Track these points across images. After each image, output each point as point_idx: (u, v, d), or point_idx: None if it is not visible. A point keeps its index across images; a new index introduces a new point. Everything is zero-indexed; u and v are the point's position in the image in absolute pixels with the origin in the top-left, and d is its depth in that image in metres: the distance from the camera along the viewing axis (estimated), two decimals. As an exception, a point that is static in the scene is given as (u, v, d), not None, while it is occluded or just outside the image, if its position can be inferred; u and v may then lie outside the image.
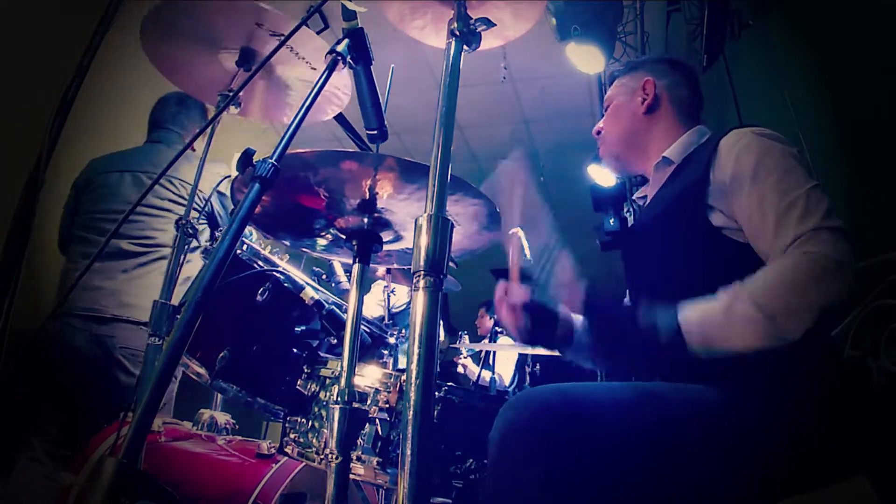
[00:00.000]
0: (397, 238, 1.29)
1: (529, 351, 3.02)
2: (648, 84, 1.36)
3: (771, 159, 1.08)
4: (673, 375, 1.03)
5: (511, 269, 1.19)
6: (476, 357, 4.25)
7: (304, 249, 1.45)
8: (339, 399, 1.07)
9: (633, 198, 1.49)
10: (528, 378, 3.65)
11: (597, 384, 0.98)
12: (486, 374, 3.88)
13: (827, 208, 0.99)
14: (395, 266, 1.49)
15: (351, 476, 1.09)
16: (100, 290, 2.06)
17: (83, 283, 2.04)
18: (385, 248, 1.28)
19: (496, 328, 4.03)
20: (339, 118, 1.68)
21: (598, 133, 1.43)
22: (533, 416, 0.88)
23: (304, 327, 1.43)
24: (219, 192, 2.16)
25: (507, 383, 4.12)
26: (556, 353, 1.28)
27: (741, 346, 0.92)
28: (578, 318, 1.27)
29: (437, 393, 1.19)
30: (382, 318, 3.28)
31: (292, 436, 1.29)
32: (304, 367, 1.34)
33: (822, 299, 0.89)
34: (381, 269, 3.12)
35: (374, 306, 3.52)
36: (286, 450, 1.31)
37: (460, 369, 4.33)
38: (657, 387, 0.99)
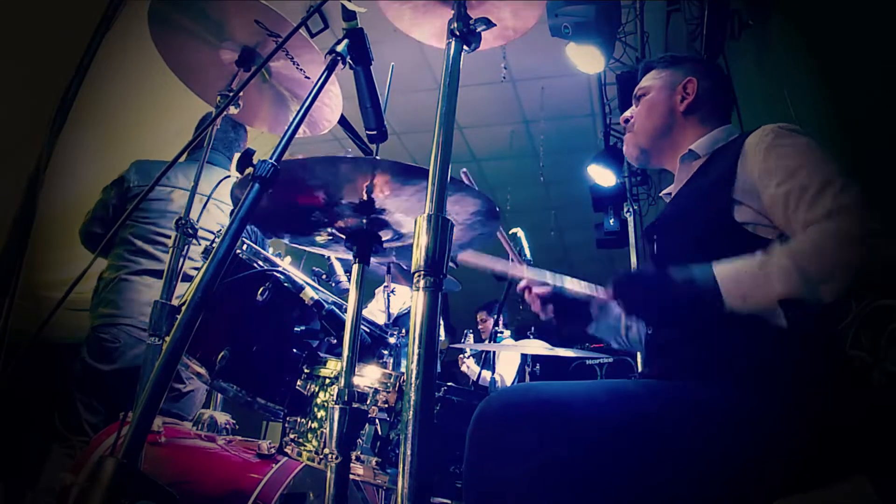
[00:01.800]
0: (397, 237, 1.29)
1: (531, 351, 3.02)
2: (691, 84, 1.37)
3: (801, 150, 1.09)
4: (705, 332, 1.05)
5: (511, 268, 1.35)
6: (478, 358, 4.25)
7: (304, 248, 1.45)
8: (338, 399, 1.07)
9: (661, 194, 1.50)
10: (527, 378, 3.65)
11: (570, 383, 0.99)
12: (487, 374, 3.88)
13: (857, 192, 1.00)
14: (395, 260, 1.50)
15: (351, 476, 1.09)
16: None
17: (141, 297, 2.19)
18: (384, 247, 1.28)
19: (496, 329, 4.03)
20: (340, 119, 1.68)
21: (627, 122, 1.44)
22: (498, 412, 0.93)
23: (304, 327, 1.43)
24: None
25: (508, 384, 4.11)
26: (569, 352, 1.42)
27: (774, 297, 0.94)
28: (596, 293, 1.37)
29: (436, 393, 1.19)
30: (386, 325, 3.24)
31: (292, 436, 1.29)
32: (304, 367, 1.34)
33: (856, 262, 0.92)
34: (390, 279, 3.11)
35: (377, 314, 3.48)
36: (286, 450, 1.31)
37: (464, 369, 4.31)
38: (630, 384, 1.01)
